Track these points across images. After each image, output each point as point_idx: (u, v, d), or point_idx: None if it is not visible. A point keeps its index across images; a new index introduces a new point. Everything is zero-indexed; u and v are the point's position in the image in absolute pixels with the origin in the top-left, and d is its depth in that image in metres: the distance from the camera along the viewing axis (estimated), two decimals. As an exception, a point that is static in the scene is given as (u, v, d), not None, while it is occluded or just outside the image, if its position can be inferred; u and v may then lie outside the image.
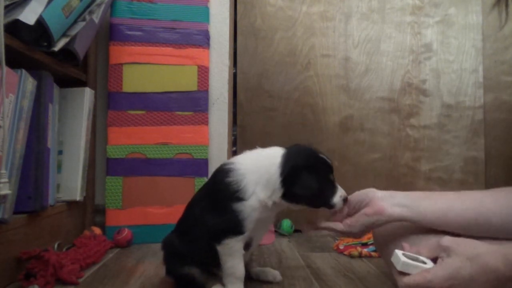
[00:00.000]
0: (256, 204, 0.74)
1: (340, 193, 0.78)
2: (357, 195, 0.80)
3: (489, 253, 0.60)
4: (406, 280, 0.63)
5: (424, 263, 0.64)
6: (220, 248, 0.76)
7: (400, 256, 0.64)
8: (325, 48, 1.62)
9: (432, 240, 0.67)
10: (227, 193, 0.75)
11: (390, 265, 0.67)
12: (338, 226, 0.79)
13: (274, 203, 0.76)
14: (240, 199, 0.74)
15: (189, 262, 0.82)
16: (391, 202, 0.75)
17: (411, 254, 0.66)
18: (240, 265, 0.77)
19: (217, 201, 0.77)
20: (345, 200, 0.78)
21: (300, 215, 0.89)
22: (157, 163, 1.36)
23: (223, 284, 0.79)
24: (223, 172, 0.78)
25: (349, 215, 0.80)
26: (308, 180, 0.74)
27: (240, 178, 0.75)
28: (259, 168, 0.76)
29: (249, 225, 0.75)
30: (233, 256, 0.76)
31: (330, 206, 0.77)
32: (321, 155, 0.78)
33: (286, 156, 0.76)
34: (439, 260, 0.63)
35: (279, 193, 0.74)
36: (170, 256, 0.85)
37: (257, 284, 0.89)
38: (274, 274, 0.91)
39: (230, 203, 0.74)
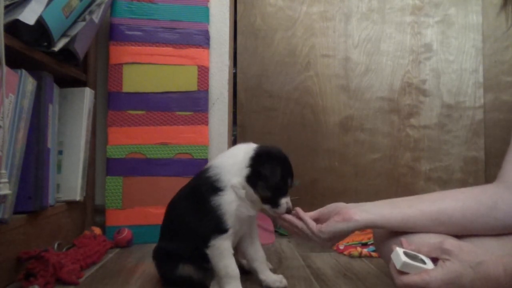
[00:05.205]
0: (232, 195, 0.78)
1: (287, 199, 0.81)
2: (327, 207, 0.85)
3: (491, 262, 0.60)
4: (404, 279, 0.62)
5: (424, 262, 0.63)
6: (209, 252, 0.77)
7: (401, 255, 0.63)
8: (325, 48, 1.62)
9: (433, 240, 0.66)
10: (206, 186, 0.79)
11: (388, 261, 0.67)
12: (312, 224, 0.80)
13: (245, 191, 0.78)
14: (218, 190, 0.77)
15: (181, 260, 0.82)
16: (359, 209, 0.78)
17: (411, 252, 0.65)
18: (232, 264, 0.78)
19: (197, 197, 0.80)
20: (288, 210, 0.81)
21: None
22: (157, 163, 1.36)
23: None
24: (203, 170, 0.84)
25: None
26: (273, 169, 0.78)
27: (217, 171, 0.80)
28: (233, 157, 0.82)
29: (229, 219, 0.77)
30: (223, 256, 0.77)
31: (276, 204, 0.80)
32: (289, 160, 0.83)
33: (259, 147, 0.82)
34: (439, 262, 0.62)
35: (245, 172, 0.78)
36: (162, 261, 0.87)
37: (257, 284, 0.88)
38: (280, 279, 0.88)
39: (209, 197, 0.77)
